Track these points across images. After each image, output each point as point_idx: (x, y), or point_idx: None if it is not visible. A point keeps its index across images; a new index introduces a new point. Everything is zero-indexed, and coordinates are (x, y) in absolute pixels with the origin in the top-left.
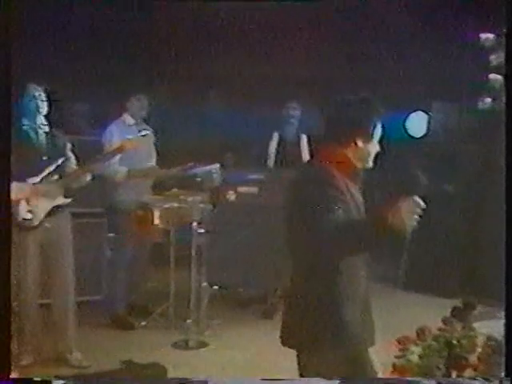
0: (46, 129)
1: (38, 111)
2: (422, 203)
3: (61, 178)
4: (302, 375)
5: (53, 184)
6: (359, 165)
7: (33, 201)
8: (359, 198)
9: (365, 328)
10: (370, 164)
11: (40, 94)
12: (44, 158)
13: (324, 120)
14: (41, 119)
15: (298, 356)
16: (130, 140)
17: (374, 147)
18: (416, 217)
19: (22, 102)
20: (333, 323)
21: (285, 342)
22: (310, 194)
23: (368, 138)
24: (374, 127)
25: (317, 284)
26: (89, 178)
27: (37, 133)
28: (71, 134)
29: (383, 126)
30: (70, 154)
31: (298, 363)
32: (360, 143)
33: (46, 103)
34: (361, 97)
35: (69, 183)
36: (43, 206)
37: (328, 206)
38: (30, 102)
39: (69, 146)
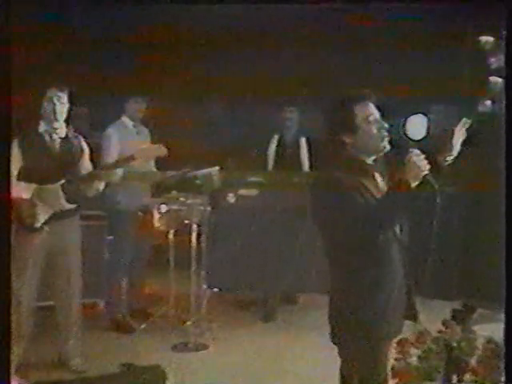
0: (63, 134)
1: (55, 115)
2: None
3: (70, 182)
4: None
5: (60, 189)
6: (362, 158)
7: (37, 203)
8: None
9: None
10: (377, 152)
11: (59, 98)
12: (59, 163)
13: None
14: (59, 123)
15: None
16: (142, 149)
17: (366, 138)
18: (424, 161)
19: (40, 106)
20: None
21: (332, 339)
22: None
23: (351, 131)
24: (354, 119)
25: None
26: (102, 186)
27: (53, 137)
28: None
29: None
30: (87, 159)
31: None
32: (346, 138)
33: (66, 107)
34: (340, 96)
35: (82, 189)
36: (46, 209)
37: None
38: (49, 105)
39: (86, 150)
